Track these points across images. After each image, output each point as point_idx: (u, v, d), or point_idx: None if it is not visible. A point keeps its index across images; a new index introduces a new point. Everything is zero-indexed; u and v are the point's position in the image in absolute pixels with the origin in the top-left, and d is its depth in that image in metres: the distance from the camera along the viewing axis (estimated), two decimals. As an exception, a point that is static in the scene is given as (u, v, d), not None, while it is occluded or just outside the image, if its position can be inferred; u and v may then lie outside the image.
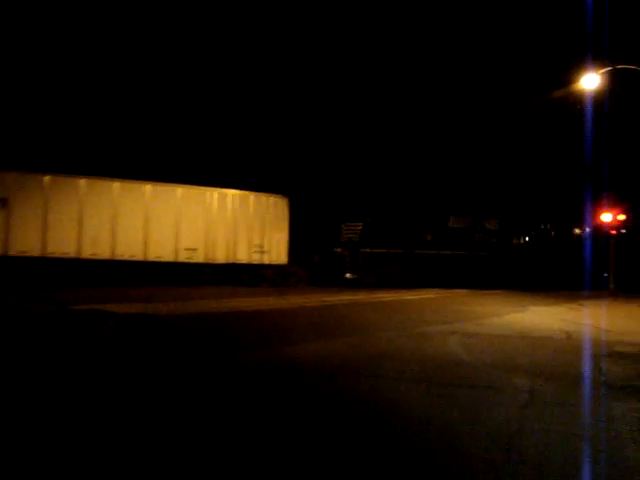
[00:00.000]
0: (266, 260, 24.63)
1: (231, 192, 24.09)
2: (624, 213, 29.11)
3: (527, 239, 35.10)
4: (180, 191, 22.86)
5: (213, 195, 23.53)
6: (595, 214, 28.88)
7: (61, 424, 4.68)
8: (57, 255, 20.26)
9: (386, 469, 3.94)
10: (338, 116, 37.34)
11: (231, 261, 23.81)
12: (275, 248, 24.88)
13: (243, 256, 24.04)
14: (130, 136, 32.49)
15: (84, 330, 9.98)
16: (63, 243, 20.46)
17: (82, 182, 21.05)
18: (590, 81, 14.15)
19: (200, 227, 23.06)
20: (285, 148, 35.07)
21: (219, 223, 23.52)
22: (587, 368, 7.75)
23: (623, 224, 29.67)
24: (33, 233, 19.93)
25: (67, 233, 20.58)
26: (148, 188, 22.16)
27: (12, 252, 19.58)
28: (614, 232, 27.89)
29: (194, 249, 22.91)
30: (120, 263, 21.42)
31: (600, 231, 28.53)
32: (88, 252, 20.87)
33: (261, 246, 24.46)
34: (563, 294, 22.58)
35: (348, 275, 27.93)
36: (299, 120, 36.64)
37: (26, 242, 19.81)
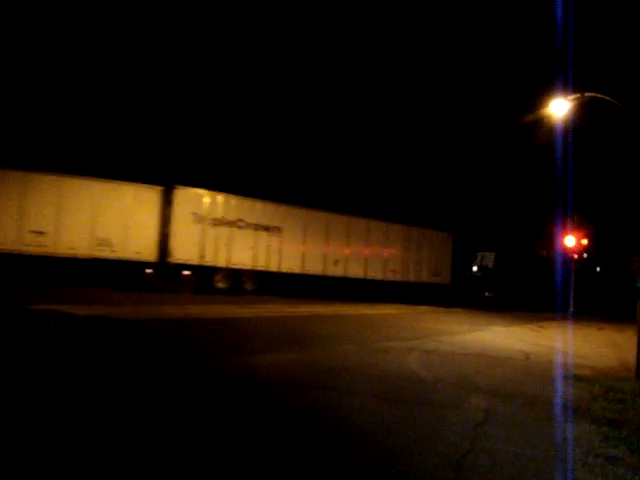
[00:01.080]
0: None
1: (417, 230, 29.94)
2: (588, 237, 29.66)
3: (492, 259, 35.60)
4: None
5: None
6: (561, 237, 29.36)
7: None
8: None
9: (333, 486, 3.85)
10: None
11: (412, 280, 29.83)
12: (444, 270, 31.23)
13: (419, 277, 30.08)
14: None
15: (40, 331, 9.67)
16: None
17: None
18: (559, 107, 14.38)
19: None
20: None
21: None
22: (543, 390, 7.77)
23: (585, 248, 30.25)
24: None
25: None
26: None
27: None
28: (576, 256, 28.40)
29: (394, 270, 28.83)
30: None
31: (565, 254, 28.99)
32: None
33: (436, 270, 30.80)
34: (525, 315, 22.84)
35: (486, 294, 34.16)
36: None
37: None
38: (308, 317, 15.88)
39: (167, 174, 24.72)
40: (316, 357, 8.99)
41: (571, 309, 26.50)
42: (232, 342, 10.22)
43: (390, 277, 28.71)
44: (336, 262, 26.70)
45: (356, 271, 27.39)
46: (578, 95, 14.11)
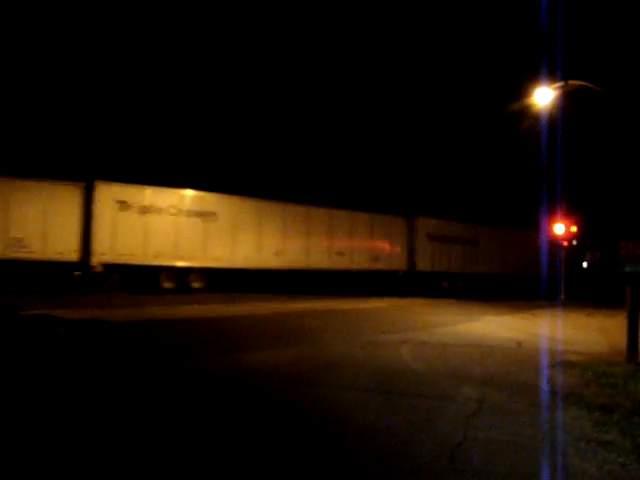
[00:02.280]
0: None
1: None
2: (577, 224, 29.81)
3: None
4: None
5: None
6: (550, 225, 29.45)
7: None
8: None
9: (327, 478, 3.85)
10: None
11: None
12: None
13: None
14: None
15: (32, 336, 9.62)
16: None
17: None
18: (543, 95, 14.41)
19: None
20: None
21: None
22: (536, 377, 7.82)
23: (575, 236, 30.44)
24: None
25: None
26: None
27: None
28: (566, 243, 28.55)
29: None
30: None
31: (555, 241, 29.11)
32: None
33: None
34: (517, 304, 22.93)
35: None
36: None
37: None
38: (300, 313, 15.88)
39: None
40: (308, 353, 8.99)
41: (561, 296, 26.64)
42: (225, 341, 10.20)
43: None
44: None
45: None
46: (562, 83, 14.15)
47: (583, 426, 5.33)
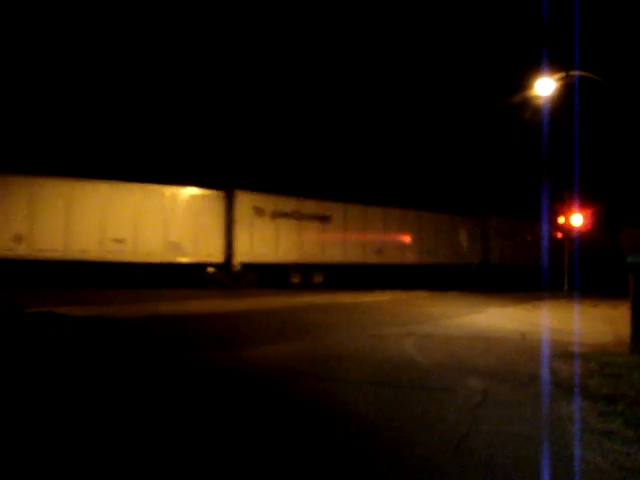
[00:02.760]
0: None
1: None
2: (583, 215, 29.59)
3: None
4: None
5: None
6: (554, 216, 29.35)
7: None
8: None
9: (334, 472, 3.87)
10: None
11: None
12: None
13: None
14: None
15: (37, 333, 9.68)
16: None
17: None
18: (545, 87, 14.35)
19: None
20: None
21: None
22: (540, 368, 7.83)
23: (580, 227, 30.27)
24: None
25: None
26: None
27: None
28: (570, 235, 28.45)
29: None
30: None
31: (559, 232, 29.01)
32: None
33: None
34: (520, 295, 22.92)
35: None
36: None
37: None
38: (305, 307, 15.92)
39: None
40: (313, 347, 9.02)
41: (565, 287, 26.60)
42: (230, 336, 10.24)
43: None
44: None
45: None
46: (564, 74, 14.08)
47: (587, 416, 5.34)
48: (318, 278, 26.31)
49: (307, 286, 25.18)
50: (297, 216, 25.34)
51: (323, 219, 26.20)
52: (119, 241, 21.10)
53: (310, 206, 26.00)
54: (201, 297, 18.81)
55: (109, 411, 5.20)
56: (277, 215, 24.58)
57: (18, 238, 19.55)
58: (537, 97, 15.23)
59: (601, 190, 36.27)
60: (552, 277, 29.59)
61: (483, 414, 5.35)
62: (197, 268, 23.00)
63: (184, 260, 22.48)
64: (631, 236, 9.57)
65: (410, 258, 30.03)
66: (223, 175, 27.96)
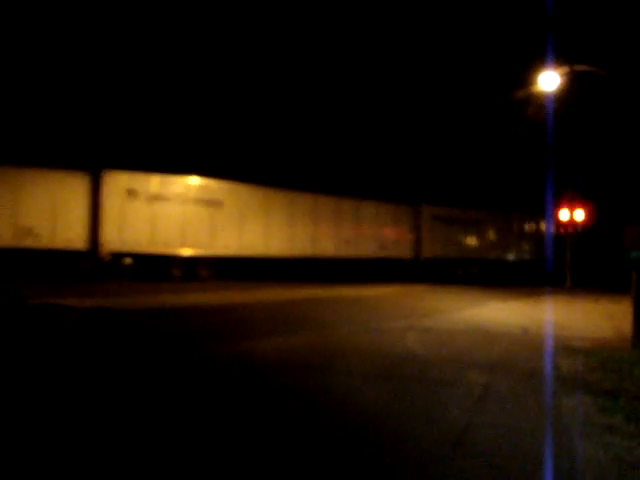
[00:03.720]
0: None
1: None
2: (585, 211, 29.50)
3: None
4: None
5: None
6: (557, 211, 29.26)
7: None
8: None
9: (336, 465, 3.88)
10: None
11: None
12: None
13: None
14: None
15: (42, 325, 9.72)
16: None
17: None
18: (548, 81, 14.28)
19: None
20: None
21: None
22: (541, 363, 7.83)
23: (582, 223, 30.19)
24: None
25: None
26: None
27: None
28: (572, 230, 28.40)
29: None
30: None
31: (562, 227, 28.91)
32: None
33: None
34: (523, 290, 22.93)
35: None
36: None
37: None
38: (306, 301, 15.93)
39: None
40: (315, 340, 9.04)
41: (568, 283, 26.58)
42: (231, 328, 10.26)
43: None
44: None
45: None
46: (568, 68, 14.01)
47: (588, 411, 5.35)
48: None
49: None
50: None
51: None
52: None
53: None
54: (210, 289, 18.84)
55: (113, 404, 5.22)
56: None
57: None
58: (539, 92, 15.15)
59: (602, 185, 36.21)
60: (555, 272, 29.64)
61: (484, 408, 5.36)
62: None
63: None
64: (633, 232, 9.53)
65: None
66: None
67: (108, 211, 20.48)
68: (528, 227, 36.07)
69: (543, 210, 33.27)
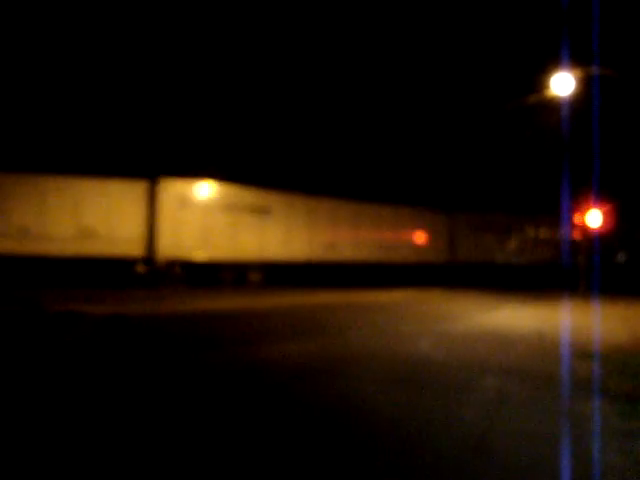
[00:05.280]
0: None
1: None
2: (604, 214, 29.16)
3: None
4: None
5: None
6: (574, 215, 29.00)
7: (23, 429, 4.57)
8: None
9: (353, 468, 3.90)
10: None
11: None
12: None
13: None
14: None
15: (60, 333, 9.83)
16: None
17: None
18: (562, 85, 14.23)
19: None
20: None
21: None
22: (558, 367, 7.79)
23: (600, 227, 29.84)
24: None
25: None
26: None
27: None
28: (588, 234, 28.12)
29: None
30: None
31: (580, 231, 28.65)
32: None
33: None
34: (539, 294, 22.79)
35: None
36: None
37: None
38: (319, 306, 15.97)
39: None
40: (329, 345, 9.05)
41: (583, 288, 26.33)
42: (248, 334, 10.32)
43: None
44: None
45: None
46: (583, 70, 13.96)
47: (607, 416, 5.32)
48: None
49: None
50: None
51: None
52: None
53: None
54: (221, 295, 18.96)
55: (127, 410, 5.28)
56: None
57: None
58: (554, 96, 15.09)
59: (618, 187, 35.75)
60: (569, 276, 29.35)
61: (501, 413, 5.35)
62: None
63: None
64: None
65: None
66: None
67: (164, 218, 21.15)
68: (547, 231, 35.76)
69: (561, 213, 32.98)
